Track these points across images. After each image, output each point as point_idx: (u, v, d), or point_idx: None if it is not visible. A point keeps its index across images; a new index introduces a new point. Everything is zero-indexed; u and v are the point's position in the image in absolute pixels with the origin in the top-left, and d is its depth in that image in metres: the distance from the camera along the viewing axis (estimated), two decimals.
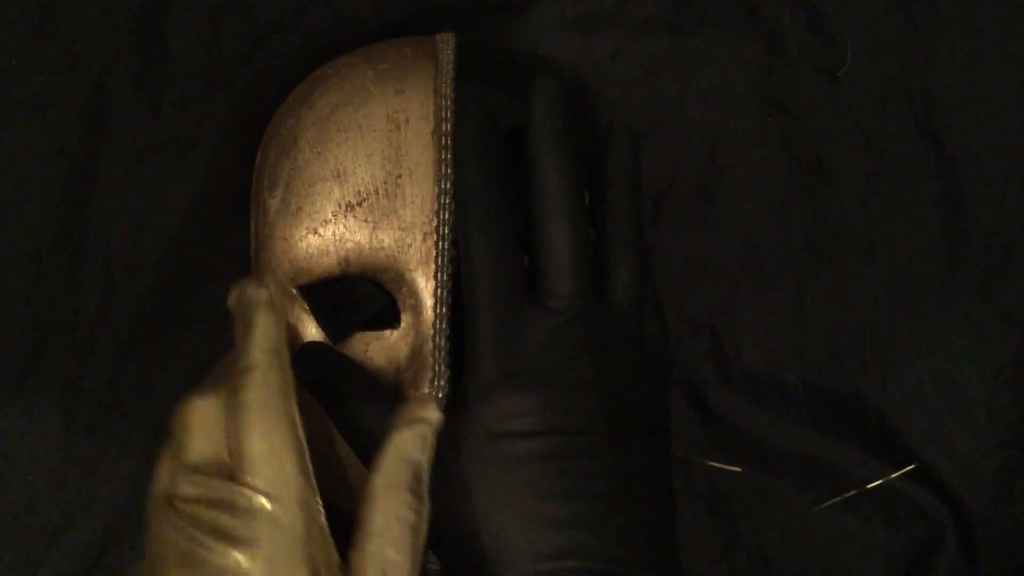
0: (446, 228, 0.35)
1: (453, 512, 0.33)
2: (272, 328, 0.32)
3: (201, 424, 0.31)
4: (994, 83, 0.44)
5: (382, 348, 0.37)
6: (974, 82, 0.44)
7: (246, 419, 0.30)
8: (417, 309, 0.36)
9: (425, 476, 0.32)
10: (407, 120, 0.36)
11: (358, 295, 0.38)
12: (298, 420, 0.31)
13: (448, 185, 0.35)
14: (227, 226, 0.42)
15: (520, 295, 0.34)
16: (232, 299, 0.33)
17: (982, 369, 0.43)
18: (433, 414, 0.33)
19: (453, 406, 0.34)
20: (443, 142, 0.35)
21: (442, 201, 0.35)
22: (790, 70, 0.44)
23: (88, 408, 0.41)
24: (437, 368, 0.35)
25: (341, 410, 0.35)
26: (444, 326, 0.35)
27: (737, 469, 0.43)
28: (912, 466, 0.42)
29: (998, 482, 0.42)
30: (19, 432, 0.40)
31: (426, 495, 0.32)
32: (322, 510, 0.30)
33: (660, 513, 0.34)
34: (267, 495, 0.29)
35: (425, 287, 0.35)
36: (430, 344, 0.35)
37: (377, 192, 0.35)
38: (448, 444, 0.33)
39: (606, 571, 0.32)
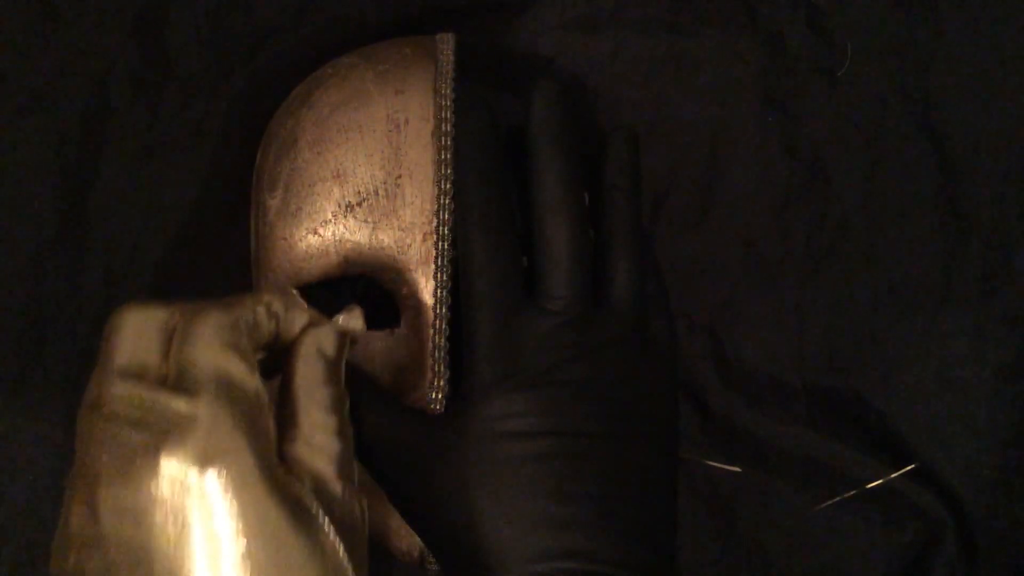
0: (446, 228, 0.35)
1: (450, 512, 0.33)
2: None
3: (136, 330, 0.28)
4: (994, 83, 0.43)
5: (382, 348, 0.37)
6: (974, 82, 0.43)
7: (198, 329, 0.28)
8: (417, 309, 0.36)
9: (340, 369, 0.31)
10: (407, 120, 0.36)
11: (358, 295, 0.38)
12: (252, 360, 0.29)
13: (448, 185, 0.35)
14: (227, 226, 0.42)
15: (518, 296, 0.34)
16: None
17: (982, 369, 0.43)
18: (356, 323, 0.33)
19: (451, 407, 0.35)
20: (443, 142, 0.35)
21: (442, 201, 0.35)
22: (790, 70, 0.44)
23: None
24: (437, 368, 0.35)
25: None
26: (444, 326, 0.35)
27: (737, 469, 0.43)
28: (912, 466, 0.42)
29: (998, 482, 0.42)
30: (19, 432, 0.40)
31: (342, 382, 0.31)
32: (270, 412, 0.28)
33: (658, 515, 0.34)
34: (200, 396, 0.26)
35: (425, 287, 0.35)
36: (430, 344, 0.35)
37: (377, 192, 0.35)
38: (445, 445, 0.33)
39: (600, 572, 0.32)
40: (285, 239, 0.36)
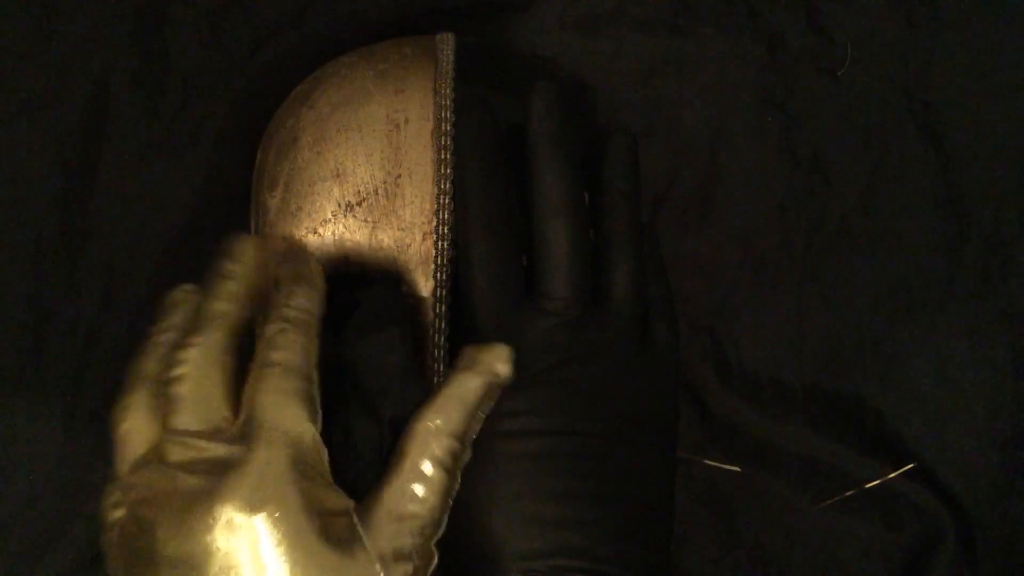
0: (445, 228, 0.35)
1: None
2: (316, 288, 0.31)
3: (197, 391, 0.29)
4: (994, 83, 0.43)
5: None
6: (974, 82, 0.43)
7: (264, 381, 0.29)
8: (416, 309, 0.36)
9: (475, 426, 0.32)
10: (407, 120, 0.36)
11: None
12: (316, 381, 0.29)
13: (447, 185, 0.35)
14: (227, 226, 0.42)
15: (518, 296, 0.34)
16: (281, 247, 0.32)
17: (982, 369, 0.43)
18: (504, 368, 0.32)
19: None
20: (443, 142, 0.35)
21: (441, 201, 0.35)
22: (790, 70, 0.44)
23: (88, 408, 0.41)
24: (437, 368, 0.35)
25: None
26: (444, 326, 0.35)
27: (737, 469, 0.43)
28: (912, 466, 0.42)
29: (998, 482, 0.42)
30: (19, 432, 0.40)
31: (469, 446, 0.31)
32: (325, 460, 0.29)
33: (655, 513, 0.34)
34: (254, 443, 0.27)
35: (424, 287, 0.35)
36: (430, 344, 0.35)
37: (376, 192, 0.35)
38: None
39: (594, 570, 0.32)
40: (285, 239, 0.36)
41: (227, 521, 0.26)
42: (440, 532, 0.30)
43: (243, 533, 0.26)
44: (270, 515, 0.26)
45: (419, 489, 0.30)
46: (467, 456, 0.31)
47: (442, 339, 0.35)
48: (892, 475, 0.42)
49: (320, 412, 0.29)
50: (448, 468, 0.30)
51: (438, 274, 0.35)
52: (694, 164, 0.44)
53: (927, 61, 0.44)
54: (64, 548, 0.40)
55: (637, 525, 0.33)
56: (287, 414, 0.28)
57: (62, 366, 0.41)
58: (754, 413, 0.43)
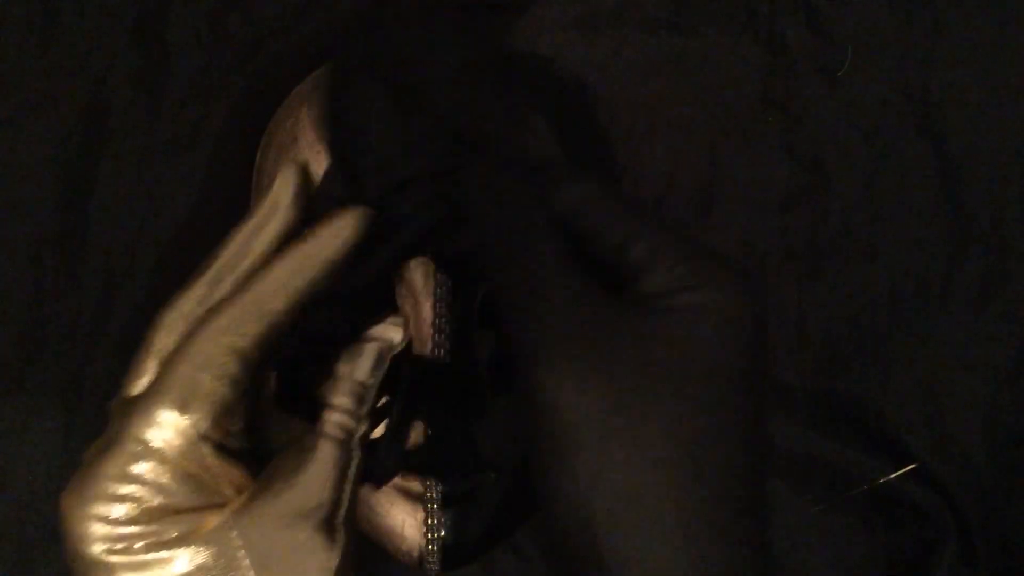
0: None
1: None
2: None
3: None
4: (994, 83, 0.44)
5: None
6: (974, 82, 0.44)
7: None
8: (416, 309, 0.36)
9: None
10: None
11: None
12: None
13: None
14: (227, 226, 0.42)
15: (597, 296, 0.31)
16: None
17: (982, 370, 0.43)
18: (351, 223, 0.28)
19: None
20: None
21: None
22: (790, 70, 0.44)
23: (88, 408, 0.41)
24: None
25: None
26: (444, 324, 0.35)
27: None
28: (912, 466, 0.42)
29: (998, 482, 0.42)
30: (19, 432, 0.40)
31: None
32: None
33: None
34: None
35: (424, 286, 0.35)
36: (429, 344, 0.35)
37: None
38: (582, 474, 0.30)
39: None
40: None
41: None
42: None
43: None
44: None
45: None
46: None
47: (443, 338, 0.35)
48: (892, 475, 0.42)
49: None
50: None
51: (438, 273, 0.35)
52: (694, 164, 0.44)
53: (927, 61, 0.44)
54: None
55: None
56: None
57: (62, 366, 0.41)
58: None
